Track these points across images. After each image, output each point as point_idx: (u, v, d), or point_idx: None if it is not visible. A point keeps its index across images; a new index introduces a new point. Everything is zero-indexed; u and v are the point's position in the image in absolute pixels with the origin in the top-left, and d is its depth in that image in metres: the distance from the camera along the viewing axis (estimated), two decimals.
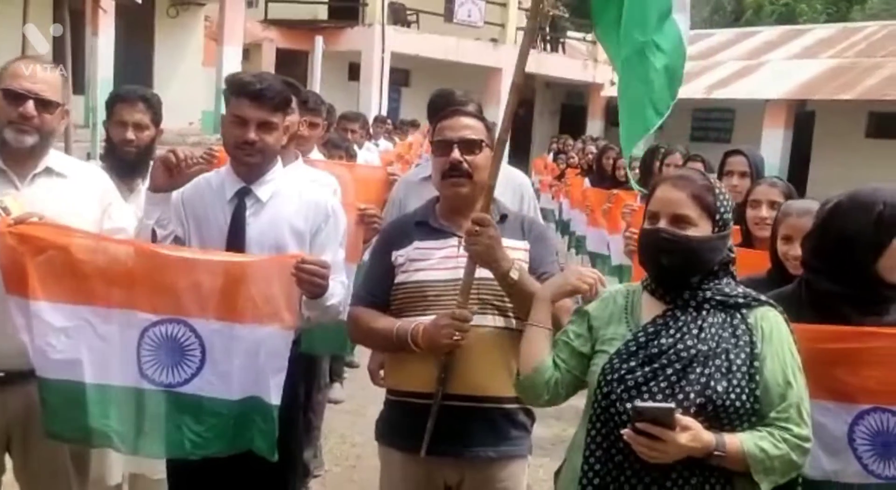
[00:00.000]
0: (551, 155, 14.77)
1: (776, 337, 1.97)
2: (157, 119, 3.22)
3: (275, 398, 2.37)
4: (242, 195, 2.61)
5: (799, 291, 2.32)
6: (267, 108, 2.53)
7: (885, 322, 2.19)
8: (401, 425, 2.53)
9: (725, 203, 2.03)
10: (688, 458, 1.86)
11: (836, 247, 2.20)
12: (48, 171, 2.58)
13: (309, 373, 3.31)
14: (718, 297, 1.99)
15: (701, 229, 1.99)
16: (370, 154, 7.09)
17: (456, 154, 2.48)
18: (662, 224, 1.98)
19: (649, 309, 2.05)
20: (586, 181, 8.13)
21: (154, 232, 2.60)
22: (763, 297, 2.06)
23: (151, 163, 3.18)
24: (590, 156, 10.26)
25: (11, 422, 2.56)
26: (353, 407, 5.49)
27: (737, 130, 22.95)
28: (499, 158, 2.49)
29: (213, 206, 2.62)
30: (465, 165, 2.48)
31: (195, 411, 2.40)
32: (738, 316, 1.99)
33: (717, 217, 2.01)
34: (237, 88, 2.56)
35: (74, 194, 2.60)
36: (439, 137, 2.55)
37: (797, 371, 1.96)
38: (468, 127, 2.53)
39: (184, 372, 2.40)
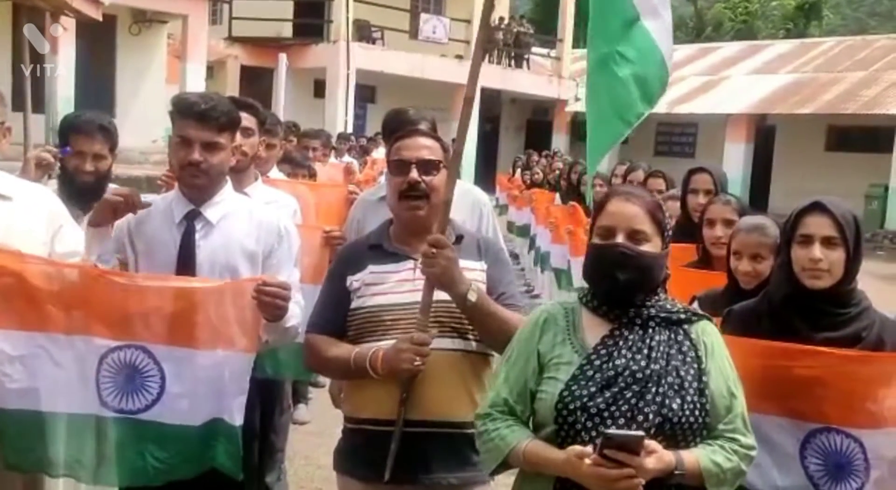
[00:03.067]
0: (518, 171, 14.81)
1: (717, 350, 2.00)
2: (113, 147, 3.20)
3: (238, 419, 2.36)
4: (192, 217, 2.58)
5: (761, 305, 2.35)
6: (212, 128, 2.50)
7: (839, 337, 2.22)
8: (360, 453, 2.48)
9: (669, 219, 2.05)
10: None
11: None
12: None
13: (267, 394, 3.25)
14: (662, 314, 2.00)
15: (654, 245, 1.99)
16: (334, 170, 7.05)
17: (414, 174, 2.45)
18: (620, 239, 1.97)
19: (592, 328, 2.02)
20: (557, 197, 8.18)
21: (96, 267, 2.55)
22: (700, 312, 2.08)
23: (109, 188, 3.16)
24: (556, 171, 10.32)
25: None
26: (319, 428, 5.41)
27: (700, 145, 23.29)
28: (454, 176, 2.47)
29: (161, 230, 2.59)
30: (423, 186, 2.46)
31: (158, 438, 2.36)
32: (682, 332, 2.00)
33: (665, 233, 2.03)
34: (182, 109, 2.53)
35: (21, 216, 2.53)
36: (396, 157, 2.52)
37: (737, 382, 2.00)
38: (426, 147, 2.51)
39: (144, 398, 2.36)
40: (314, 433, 5.36)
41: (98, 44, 15.51)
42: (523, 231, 10.46)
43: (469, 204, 3.29)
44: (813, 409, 2.18)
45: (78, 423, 2.35)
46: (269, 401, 3.32)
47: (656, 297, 2.02)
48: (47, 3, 11.19)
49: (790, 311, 2.27)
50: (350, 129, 18.06)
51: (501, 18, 23.35)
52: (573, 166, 8.31)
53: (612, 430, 1.83)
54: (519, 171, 14.84)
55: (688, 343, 1.98)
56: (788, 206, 2.39)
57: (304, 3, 20.70)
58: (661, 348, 1.96)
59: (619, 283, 1.97)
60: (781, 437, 2.21)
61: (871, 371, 2.16)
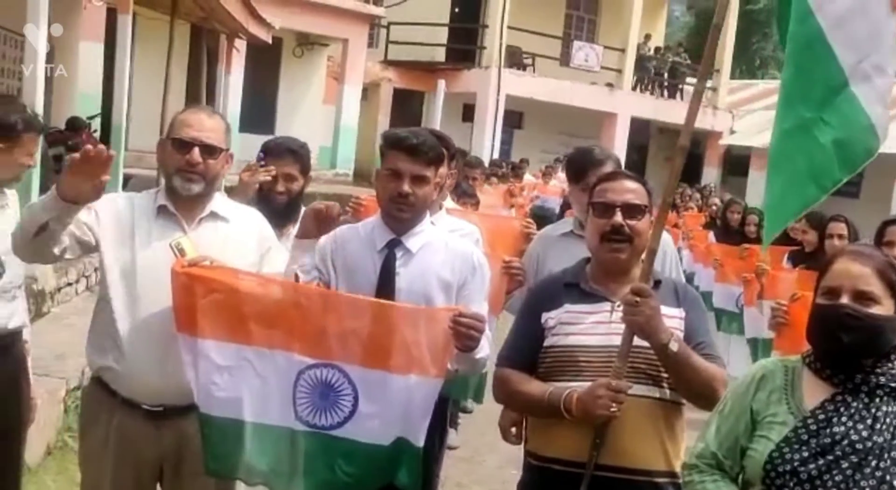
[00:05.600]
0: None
1: None
2: (305, 169, 3.37)
3: (421, 440, 2.41)
4: (393, 246, 2.65)
5: None
6: (422, 162, 2.59)
7: None
8: None
9: None
10: None
11: None
12: (213, 215, 2.68)
13: (440, 419, 3.29)
14: (893, 384, 1.88)
15: (885, 308, 1.89)
16: (491, 197, 7.12)
17: (618, 218, 2.45)
18: (845, 300, 1.89)
19: (812, 390, 1.94)
20: (711, 235, 7.92)
21: (296, 276, 2.66)
22: None
23: (302, 209, 3.30)
24: (713, 207, 10.00)
25: (165, 454, 2.64)
26: (469, 454, 5.43)
27: (865, 184, 21.93)
28: (661, 223, 2.45)
29: (362, 256, 2.67)
30: (627, 230, 2.45)
31: (348, 454, 2.43)
32: None
33: None
34: (394, 142, 2.62)
35: (236, 238, 2.70)
36: (600, 200, 2.52)
37: None
38: (631, 191, 2.51)
39: (336, 415, 2.44)
40: (464, 459, 5.37)
41: (264, 65, 16.39)
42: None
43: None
44: None
45: (274, 434, 2.45)
46: (434, 426, 3.35)
47: (889, 365, 1.91)
48: (224, 26, 11.94)
49: None
50: (496, 155, 18.20)
51: (658, 48, 22.99)
52: (730, 205, 8.01)
53: None
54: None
55: None
56: None
57: (459, 28, 21.10)
58: (888, 420, 1.85)
59: (843, 346, 1.88)
60: None
61: None
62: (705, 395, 2.30)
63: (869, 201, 18.03)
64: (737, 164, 21.30)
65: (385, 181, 2.62)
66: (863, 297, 1.89)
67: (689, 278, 9.04)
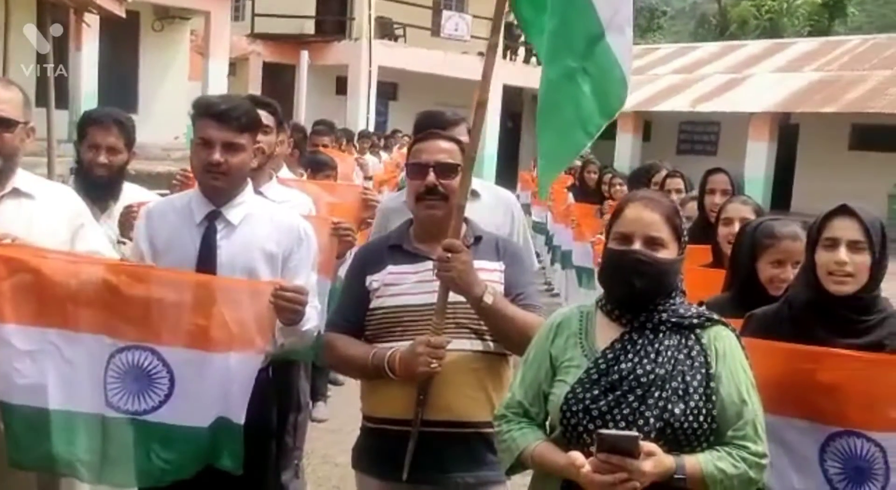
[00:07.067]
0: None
1: (730, 355, 1.98)
2: (130, 143, 3.19)
3: (242, 418, 2.36)
4: (213, 218, 2.57)
5: (782, 310, 2.33)
6: (232, 128, 2.49)
7: (860, 344, 2.19)
8: (378, 452, 2.50)
9: (686, 222, 2.06)
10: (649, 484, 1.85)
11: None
12: (16, 192, 2.54)
13: (283, 393, 3.26)
14: (674, 319, 1.99)
15: (671, 251, 1.99)
16: (350, 167, 7.00)
17: (432, 177, 2.47)
18: (637, 245, 1.97)
19: (604, 332, 2.03)
20: (570, 196, 8.13)
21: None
22: (715, 316, 2.05)
23: (125, 185, 3.18)
24: (574, 169, 10.26)
25: None
26: (337, 425, 5.43)
27: (722, 143, 23.10)
28: (467, 179, 2.48)
29: (180, 230, 2.57)
30: (441, 189, 2.47)
31: (164, 439, 2.36)
32: (693, 337, 1.99)
33: (682, 238, 2.02)
34: (202, 110, 2.52)
35: (43, 215, 2.56)
36: (414, 160, 2.54)
37: (751, 388, 1.97)
38: (444, 150, 2.53)
39: (150, 400, 2.36)
40: (333, 431, 5.37)
41: (121, 40, 15.64)
42: (540, 228, 10.41)
43: (503, 207, 3.35)
44: (834, 412, 2.16)
45: (84, 421, 2.36)
46: (284, 399, 3.32)
47: (671, 302, 2.01)
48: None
49: (812, 316, 2.25)
50: (372, 127, 18.08)
51: None
52: (586, 165, 8.25)
53: (606, 431, 1.84)
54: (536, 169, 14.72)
55: (697, 348, 1.97)
56: (811, 205, 2.38)
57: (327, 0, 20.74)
58: (669, 353, 1.95)
59: (635, 290, 1.97)
60: (801, 440, 2.19)
61: (893, 375, 2.13)
62: (524, 345, 2.33)
63: (726, 159, 18.94)
64: (605, 127, 21.87)
65: (197, 150, 2.53)
66: (653, 242, 1.97)
67: (550, 238, 9.31)
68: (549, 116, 2.55)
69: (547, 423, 2.06)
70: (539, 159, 2.64)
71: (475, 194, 3.32)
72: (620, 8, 2.57)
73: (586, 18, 2.52)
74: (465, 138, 3.32)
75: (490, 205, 3.29)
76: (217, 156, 2.47)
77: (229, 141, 2.49)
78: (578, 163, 8.12)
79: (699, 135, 23.83)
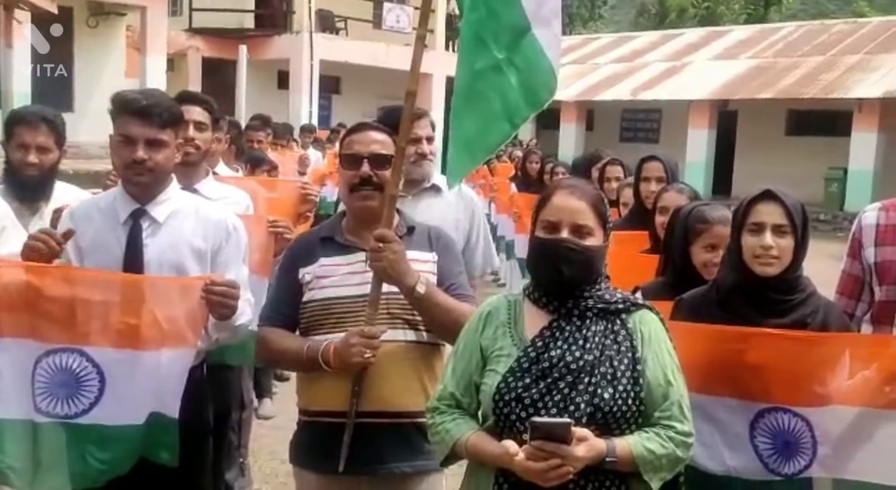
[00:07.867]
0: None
1: (655, 338, 2.02)
2: (60, 141, 3.10)
3: (176, 411, 2.34)
4: (137, 216, 2.51)
5: (710, 293, 2.38)
6: (154, 124, 2.44)
7: (786, 323, 2.26)
8: (315, 445, 2.49)
9: (609, 210, 2.08)
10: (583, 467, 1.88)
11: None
12: None
13: (222, 391, 3.22)
14: (600, 305, 2.02)
15: (597, 238, 2.02)
16: (291, 162, 6.94)
17: (366, 168, 2.47)
18: (565, 234, 1.99)
19: (532, 320, 2.05)
20: (513, 186, 8.18)
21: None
22: (639, 301, 2.09)
23: (57, 184, 3.09)
24: (516, 160, 10.34)
25: None
26: (284, 422, 5.36)
27: (664, 131, 23.46)
28: (399, 170, 2.48)
29: (104, 231, 2.51)
30: (376, 179, 2.47)
31: (99, 440, 2.32)
32: (619, 322, 2.02)
33: (607, 225, 2.05)
34: (122, 106, 2.46)
35: None
36: (348, 151, 2.53)
37: (676, 370, 2.01)
38: (378, 142, 2.52)
39: (81, 403, 2.32)
40: (280, 428, 5.32)
41: (54, 37, 15.23)
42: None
43: (464, 206, 3.38)
44: (761, 389, 2.22)
45: (12, 428, 2.30)
46: (223, 397, 3.29)
47: (597, 288, 2.04)
48: None
49: (738, 298, 2.30)
50: (315, 121, 17.93)
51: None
52: (528, 156, 8.30)
53: (539, 418, 1.86)
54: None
55: (624, 332, 2.00)
56: (751, 189, 2.42)
57: None
58: (597, 339, 1.98)
59: (563, 278, 1.99)
60: (731, 418, 2.24)
61: (817, 352, 2.21)
62: (457, 334, 2.36)
63: (667, 145, 19.27)
64: (549, 117, 22.08)
65: (118, 149, 2.47)
66: (580, 230, 2.00)
67: (494, 229, 9.35)
68: (472, 105, 2.56)
69: (479, 413, 2.06)
70: (452, 147, 2.62)
71: (437, 190, 3.35)
72: (547, 1, 2.59)
73: (511, 12, 2.54)
74: (428, 131, 3.35)
75: (451, 201, 3.32)
76: (140, 153, 2.43)
77: (152, 137, 2.44)
78: (520, 153, 8.16)
79: (641, 122, 24.17)
